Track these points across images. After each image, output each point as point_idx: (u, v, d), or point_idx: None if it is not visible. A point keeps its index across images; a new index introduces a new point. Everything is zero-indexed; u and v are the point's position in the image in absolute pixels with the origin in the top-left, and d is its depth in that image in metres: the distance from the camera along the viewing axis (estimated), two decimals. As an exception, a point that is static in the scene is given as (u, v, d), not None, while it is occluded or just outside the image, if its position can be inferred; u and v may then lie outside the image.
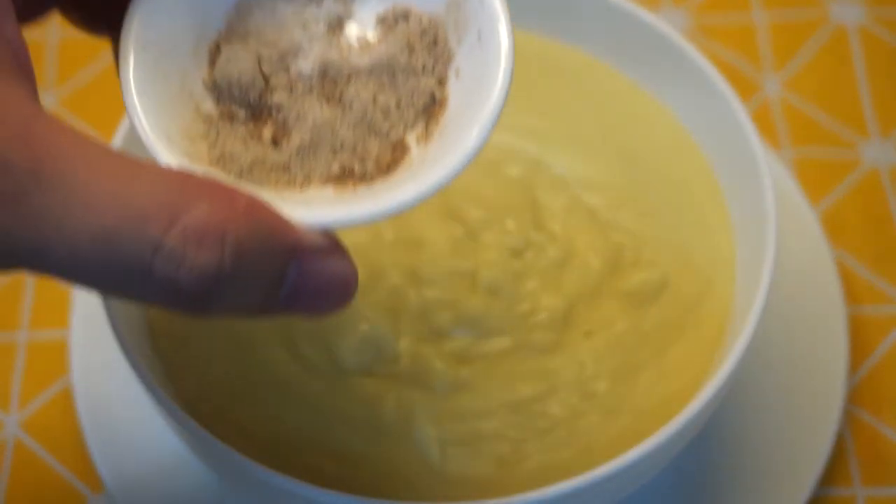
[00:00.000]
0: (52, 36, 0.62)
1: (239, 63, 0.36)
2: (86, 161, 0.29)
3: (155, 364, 0.44)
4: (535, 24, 0.52)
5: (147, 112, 0.35)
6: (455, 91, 0.36)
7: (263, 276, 0.31)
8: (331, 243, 0.33)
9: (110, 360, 0.49)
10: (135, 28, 0.36)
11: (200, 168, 0.34)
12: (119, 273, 0.30)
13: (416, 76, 0.36)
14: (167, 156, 0.34)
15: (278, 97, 0.36)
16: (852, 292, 0.55)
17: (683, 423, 0.40)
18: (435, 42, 0.36)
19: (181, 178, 0.31)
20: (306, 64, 0.36)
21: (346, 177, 0.35)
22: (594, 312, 0.45)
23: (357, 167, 0.35)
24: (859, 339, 0.54)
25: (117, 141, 0.46)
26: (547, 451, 0.43)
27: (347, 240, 0.46)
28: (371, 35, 0.37)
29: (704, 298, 0.46)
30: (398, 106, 0.36)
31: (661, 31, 0.49)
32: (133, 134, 0.47)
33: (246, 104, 0.36)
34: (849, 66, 0.62)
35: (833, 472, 0.50)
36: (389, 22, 0.37)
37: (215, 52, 0.37)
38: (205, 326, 0.45)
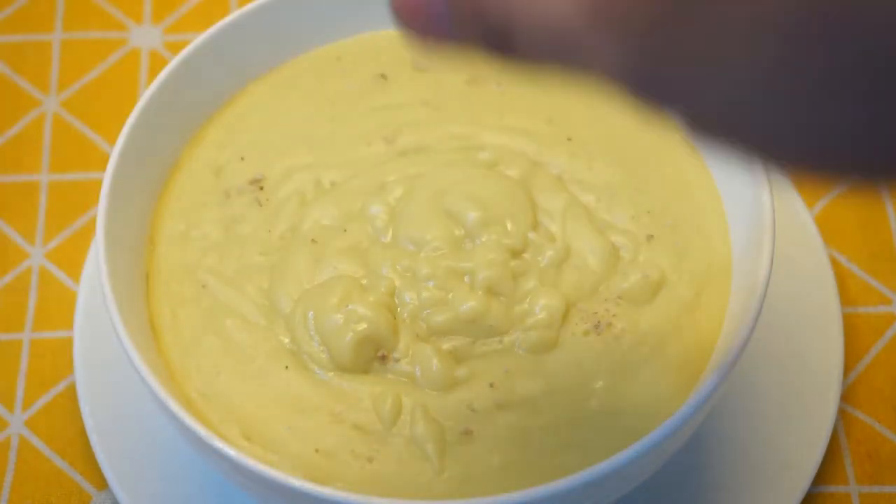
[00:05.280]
0: (55, 35, 0.62)
1: None
2: None
3: (158, 364, 0.44)
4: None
5: None
6: None
7: None
8: None
9: (113, 360, 0.49)
10: None
11: None
12: None
13: None
14: None
15: None
16: (847, 292, 0.55)
17: (680, 422, 0.40)
18: None
19: None
20: None
21: None
22: (592, 312, 0.45)
23: None
24: (854, 339, 0.54)
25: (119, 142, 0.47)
26: (545, 450, 0.43)
27: (347, 240, 0.47)
28: None
29: (701, 298, 0.46)
30: None
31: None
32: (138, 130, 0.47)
33: None
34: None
35: (828, 470, 0.50)
36: None
37: None
38: (206, 326, 0.46)
